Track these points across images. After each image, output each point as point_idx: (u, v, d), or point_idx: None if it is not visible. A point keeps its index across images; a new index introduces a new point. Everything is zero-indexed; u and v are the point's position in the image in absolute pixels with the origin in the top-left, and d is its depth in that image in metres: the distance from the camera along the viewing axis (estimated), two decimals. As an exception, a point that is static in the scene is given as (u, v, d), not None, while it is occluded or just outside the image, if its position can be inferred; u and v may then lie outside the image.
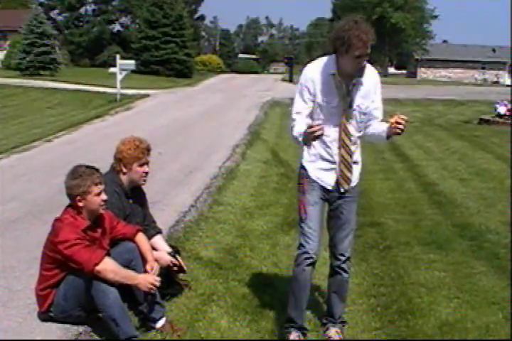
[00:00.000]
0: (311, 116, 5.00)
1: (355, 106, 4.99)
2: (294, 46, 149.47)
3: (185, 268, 6.10)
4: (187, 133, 19.31)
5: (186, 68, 59.61)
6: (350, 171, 5.15)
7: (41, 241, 5.34)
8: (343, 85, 4.90)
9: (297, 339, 5.15)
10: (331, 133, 4.97)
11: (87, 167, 5.24)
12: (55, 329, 5.30)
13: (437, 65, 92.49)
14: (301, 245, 5.09)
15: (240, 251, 7.61)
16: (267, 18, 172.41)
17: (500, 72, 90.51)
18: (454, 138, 19.35)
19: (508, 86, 61.21)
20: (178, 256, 6.07)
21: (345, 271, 5.36)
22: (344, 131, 5.00)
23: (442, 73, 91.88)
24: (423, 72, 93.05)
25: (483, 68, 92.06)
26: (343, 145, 5.02)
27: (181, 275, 6.21)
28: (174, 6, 59.59)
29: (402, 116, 4.84)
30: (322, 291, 6.26)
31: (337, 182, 5.13)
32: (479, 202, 10.47)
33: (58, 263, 5.15)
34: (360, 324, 5.65)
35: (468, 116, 26.59)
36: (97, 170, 5.27)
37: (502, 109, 22.95)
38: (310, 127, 4.59)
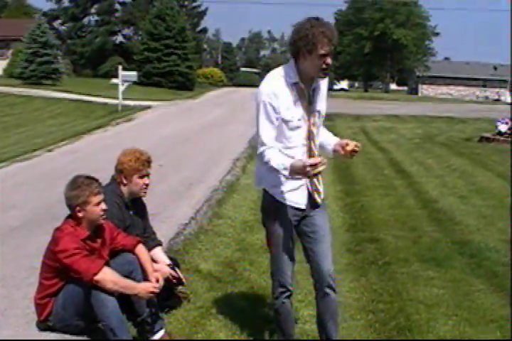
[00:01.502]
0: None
1: (316, 112, 4.77)
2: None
3: (184, 280, 6.10)
4: (188, 145, 19.34)
5: (188, 81, 59.75)
6: (319, 181, 4.88)
7: (41, 250, 5.35)
8: (306, 94, 4.68)
9: None
10: (298, 148, 4.71)
11: (86, 177, 5.25)
12: (53, 338, 5.29)
13: (438, 82, 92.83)
14: (275, 277, 4.92)
15: (239, 264, 7.61)
16: (269, 32, 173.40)
17: (502, 90, 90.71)
18: (454, 155, 19.36)
19: (509, 104, 61.32)
20: (177, 269, 6.07)
21: (334, 290, 4.95)
22: (310, 138, 4.74)
23: (443, 90, 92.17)
24: (424, 89, 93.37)
25: (484, 86, 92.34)
26: (310, 153, 4.73)
27: (180, 288, 6.20)
28: (177, 19, 59.77)
29: (358, 144, 4.71)
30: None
31: (310, 197, 4.84)
32: (479, 219, 10.46)
33: (58, 272, 5.15)
34: (358, 339, 5.64)
35: (468, 133, 26.61)
36: (96, 180, 5.27)
37: (503, 127, 22.96)
38: (313, 165, 4.26)
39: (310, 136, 4.73)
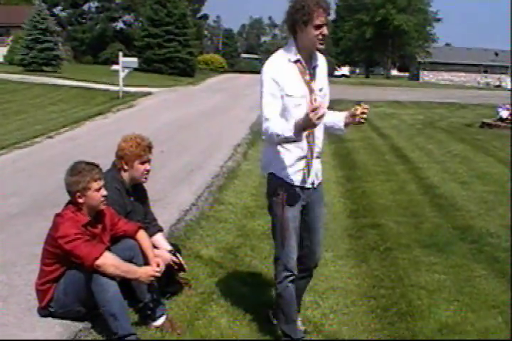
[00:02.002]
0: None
1: (318, 90, 4.88)
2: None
3: (185, 266, 6.09)
4: (189, 131, 19.31)
5: (189, 67, 59.64)
6: (318, 163, 5.05)
7: (42, 237, 5.35)
8: (307, 70, 4.82)
9: None
10: None
11: (87, 163, 5.24)
12: (54, 325, 5.30)
13: (440, 68, 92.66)
14: (281, 262, 4.95)
15: (240, 250, 7.61)
16: (270, 18, 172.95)
17: (503, 76, 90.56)
18: (455, 141, 19.33)
19: (510, 90, 61.24)
20: (178, 255, 6.07)
21: (312, 275, 5.41)
22: None
23: (445, 76, 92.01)
24: (425, 75, 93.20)
25: (485, 72, 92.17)
26: (310, 132, 4.77)
27: (182, 274, 6.20)
28: (177, 5, 59.57)
29: (366, 106, 4.78)
30: (321, 293, 6.28)
31: (309, 177, 4.94)
32: (480, 205, 10.46)
33: (59, 258, 5.15)
34: (359, 325, 5.65)
35: (470, 119, 26.55)
36: (97, 166, 5.26)
37: (504, 113, 22.91)
38: (313, 109, 4.23)
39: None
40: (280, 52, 4.86)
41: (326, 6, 4.62)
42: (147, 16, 60.38)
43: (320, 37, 4.66)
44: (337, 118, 4.95)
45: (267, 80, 4.71)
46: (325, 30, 4.65)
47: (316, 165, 4.99)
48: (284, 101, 4.70)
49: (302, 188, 4.93)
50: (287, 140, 4.54)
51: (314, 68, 4.88)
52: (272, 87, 4.69)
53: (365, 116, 4.75)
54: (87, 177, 5.11)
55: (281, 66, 4.74)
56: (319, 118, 4.28)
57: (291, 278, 4.95)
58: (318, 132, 4.90)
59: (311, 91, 4.81)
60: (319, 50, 4.88)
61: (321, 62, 4.96)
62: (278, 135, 4.51)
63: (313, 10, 4.55)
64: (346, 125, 4.93)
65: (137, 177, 5.84)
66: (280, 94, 4.68)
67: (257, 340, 5.27)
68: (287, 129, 4.44)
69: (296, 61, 4.77)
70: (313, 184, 4.99)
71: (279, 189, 4.88)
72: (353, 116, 4.79)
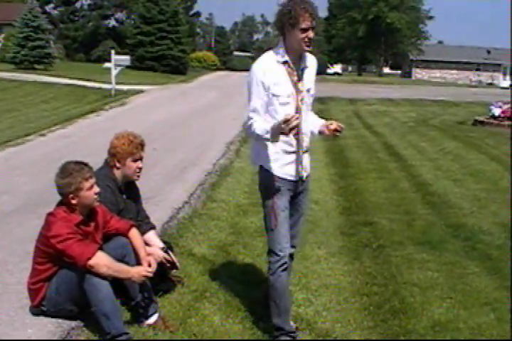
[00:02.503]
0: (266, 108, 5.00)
1: (305, 90, 5.09)
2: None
3: (177, 264, 6.09)
4: (181, 129, 19.29)
5: (181, 64, 59.59)
6: (307, 157, 5.27)
7: (34, 235, 5.33)
8: (294, 72, 5.02)
9: None
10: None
11: (76, 163, 5.20)
12: (47, 323, 5.29)
13: (432, 66, 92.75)
14: (273, 253, 5.09)
15: (233, 248, 7.61)
16: (262, 15, 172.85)
17: (495, 74, 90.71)
18: (448, 138, 19.37)
19: (503, 88, 61.36)
20: (170, 252, 6.06)
21: (292, 258, 5.47)
22: (298, 114, 4.93)
23: (437, 74, 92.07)
24: (418, 73, 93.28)
25: (478, 69, 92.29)
26: (298, 128, 4.88)
27: (174, 272, 6.20)
28: (170, 2, 59.50)
29: (341, 125, 5.04)
30: (314, 290, 6.29)
31: (298, 170, 5.15)
32: (473, 202, 10.48)
33: (51, 257, 5.13)
34: (352, 322, 5.65)
35: (462, 117, 26.62)
36: (86, 164, 5.23)
37: (497, 111, 22.99)
38: (286, 121, 4.50)
39: (298, 112, 4.95)
40: (269, 53, 5.06)
41: (312, 11, 4.82)
42: (139, 14, 60.27)
43: (306, 40, 4.87)
44: (314, 124, 5.21)
45: (254, 80, 4.93)
46: (310, 34, 4.85)
47: (305, 159, 5.20)
48: (271, 101, 4.95)
49: (291, 181, 5.12)
50: (266, 140, 4.85)
51: (303, 69, 5.08)
52: (258, 88, 4.92)
53: (337, 133, 5.05)
54: (78, 177, 5.08)
55: (269, 67, 4.95)
56: (291, 129, 4.54)
57: (284, 266, 5.07)
58: (305, 128, 5.10)
59: (298, 91, 5.03)
60: (310, 52, 5.10)
61: (311, 63, 5.18)
62: (257, 134, 4.84)
63: (299, 14, 4.77)
64: (320, 133, 5.18)
65: (129, 175, 5.83)
66: (266, 93, 4.92)
67: (252, 340, 5.26)
68: (265, 131, 4.76)
69: (284, 62, 4.98)
70: (301, 177, 5.19)
71: (269, 181, 5.10)
72: (327, 128, 5.05)
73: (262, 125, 4.80)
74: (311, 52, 5.10)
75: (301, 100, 5.03)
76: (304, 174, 5.21)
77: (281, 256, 5.04)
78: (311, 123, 5.19)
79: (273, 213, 5.07)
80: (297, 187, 5.20)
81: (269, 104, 4.95)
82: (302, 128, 5.01)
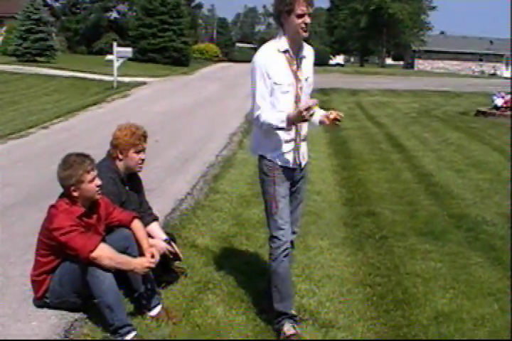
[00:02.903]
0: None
1: (304, 79, 5.17)
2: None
3: (180, 255, 6.09)
4: (184, 121, 19.28)
5: (183, 56, 59.45)
6: (305, 145, 5.38)
7: (37, 228, 5.34)
8: (294, 60, 5.11)
9: (293, 331, 5.13)
10: (287, 111, 5.00)
11: (77, 155, 5.21)
12: (50, 315, 5.30)
13: (434, 57, 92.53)
14: (275, 238, 5.14)
15: (236, 239, 7.61)
16: (264, 7, 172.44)
17: (498, 64, 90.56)
18: (450, 129, 19.34)
19: (505, 78, 61.21)
20: (173, 244, 6.06)
21: (292, 246, 5.50)
22: (298, 102, 5.11)
23: (439, 65, 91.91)
24: (420, 64, 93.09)
25: (480, 60, 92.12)
26: None
27: (177, 263, 6.20)
28: (171, -6, 59.33)
29: (340, 114, 5.08)
30: (317, 281, 6.29)
31: (296, 159, 5.26)
32: (475, 193, 10.47)
33: (54, 249, 5.14)
34: (355, 313, 5.65)
35: (465, 107, 26.58)
36: (88, 156, 5.23)
37: (499, 101, 22.93)
38: (307, 108, 4.69)
39: (297, 100, 5.10)
40: (271, 42, 5.16)
41: None
42: (141, 6, 60.14)
43: (302, 25, 4.95)
44: (315, 115, 5.17)
45: (258, 70, 5.02)
46: (307, 19, 4.94)
47: (303, 147, 5.33)
48: (273, 89, 5.02)
49: (290, 168, 5.22)
50: (278, 129, 4.98)
51: (301, 59, 5.17)
52: (263, 77, 5.00)
53: (337, 122, 5.11)
54: (80, 170, 5.08)
55: (271, 56, 5.04)
56: (311, 115, 4.80)
57: (287, 251, 5.13)
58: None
59: (298, 80, 5.11)
60: (306, 41, 5.20)
61: (308, 53, 5.27)
62: (270, 124, 4.94)
63: (294, 0, 4.87)
64: (321, 122, 5.21)
65: (132, 167, 5.83)
66: (270, 82, 5.00)
67: (254, 340, 5.26)
68: (279, 120, 4.87)
69: (285, 51, 5.06)
70: (300, 165, 5.31)
71: (269, 169, 5.20)
72: (327, 118, 5.10)
73: (274, 115, 4.92)
74: (307, 40, 5.21)
75: (301, 88, 5.13)
76: (303, 162, 5.34)
77: (283, 241, 5.09)
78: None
79: (273, 200, 5.16)
80: (296, 174, 5.31)
81: (272, 93, 5.02)
82: None
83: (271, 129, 5.01)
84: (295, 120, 4.83)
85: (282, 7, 4.93)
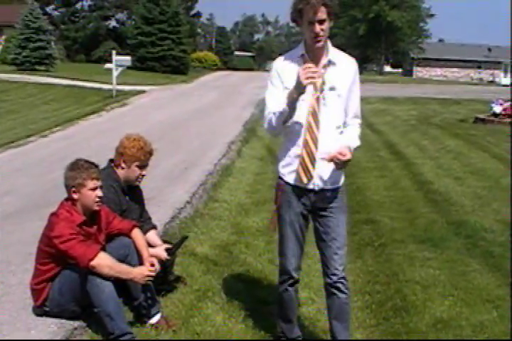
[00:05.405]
0: None
1: (327, 89, 4.65)
2: (291, 43, 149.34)
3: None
4: (182, 129, 19.29)
5: (182, 65, 59.43)
6: (313, 163, 4.63)
7: (36, 236, 5.34)
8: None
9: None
10: (300, 123, 4.66)
11: (86, 161, 5.28)
12: (49, 324, 5.30)
13: (433, 64, 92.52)
14: (280, 265, 4.93)
15: (235, 247, 7.62)
16: (263, 15, 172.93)
17: (496, 72, 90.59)
18: (449, 136, 19.34)
19: (504, 86, 61.27)
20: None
21: (340, 291, 4.82)
22: (312, 115, 4.62)
23: (438, 72, 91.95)
24: (419, 71, 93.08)
25: (479, 67, 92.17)
26: (308, 129, 4.62)
27: (176, 272, 6.21)
28: (170, 3, 59.30)
29: (342, 157, 4.47)
30: (316, 289, 6.29)
31: (307, 177, 4.67)
32: (474, 200, 10.48)
33: (53, 257, 5.15)
34: (355, 321, 5.64)
35: (463, 114, 26.57)
36: (96, 166, 5.28)
37: (497, 108, 22.95)
38: (305, 68, 4.38)
39: (313, 112, 4.62)
40: (293, 49, 4.90)
41: (316, 3, 4.43)
42: (140, 14, 60.12)
43: (312, 35, 4.54)
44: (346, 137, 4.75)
45: (273, 73, 4.79)
46: (317, 28, 4.49)
47: (322, 167, 4.64)
48: (284, 94, 4.57)
49: (302, 189, 4.74)
50: (282, 114, 4.56)
51: (325, 66, 4.68)
52: (276, 80, 4.75)
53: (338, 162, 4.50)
54: (84, 174, 5.14)
55: (287, 61, 4.78)
56: (308, 78, 4.36)
57: (290, 281, 4.90)
58: (324, 129, 4.65)
59: (315, 88, 4.61)
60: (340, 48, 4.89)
61: (340, 61, 4.79)
62: (274, 113, 4.60)
63: (302, 8, 4.50)
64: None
65: (131, 179, 5.86)
66: (282, 86, 4.67)
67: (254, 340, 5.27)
68: (281, 106, 4.53)
69: (302, 56, 4.72)
70: (314, 187, 4.71)
71: (277, 189, 4.84)
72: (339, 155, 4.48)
73: (278, 105, 4.55)
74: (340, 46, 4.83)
75: (317, 99, 4.61)
76: (321, 184, 4.72)
77: (286, 270, 4.86)
78: (344, 135, 4.76)
79: (279, 225, 4.85)
80: (316, 199, 4.76)
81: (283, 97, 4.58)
82: (311, 124, 4.62)
83: (278, 121, 4.58)
84: (294, 87, 4.43)
85: (294, 14, 4.57)
